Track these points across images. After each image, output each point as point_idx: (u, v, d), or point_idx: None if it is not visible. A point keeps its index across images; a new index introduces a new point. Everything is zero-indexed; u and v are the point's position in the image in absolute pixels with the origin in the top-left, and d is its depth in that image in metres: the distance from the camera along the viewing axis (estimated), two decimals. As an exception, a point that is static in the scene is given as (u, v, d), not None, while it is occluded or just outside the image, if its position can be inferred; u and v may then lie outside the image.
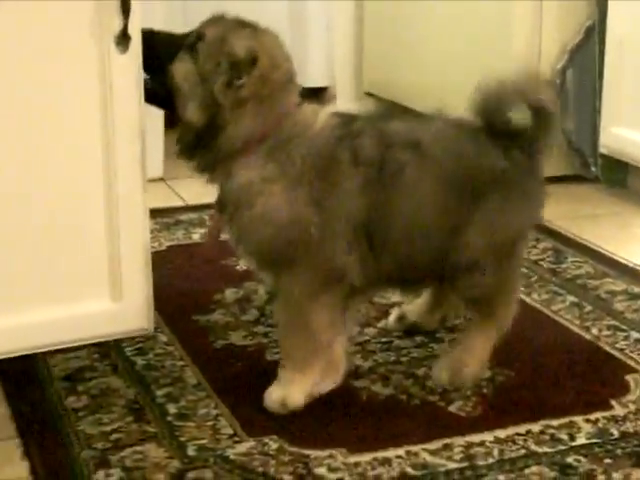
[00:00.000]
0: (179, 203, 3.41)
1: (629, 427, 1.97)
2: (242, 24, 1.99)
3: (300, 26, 4.47)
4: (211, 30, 1.98)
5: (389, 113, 2.10)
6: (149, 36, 2.06)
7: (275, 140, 1.95)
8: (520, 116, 2.02)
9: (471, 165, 2.00)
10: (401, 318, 2.36)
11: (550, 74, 3.51)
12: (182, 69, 1.97)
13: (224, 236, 2.09)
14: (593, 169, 3.56)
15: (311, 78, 4.49)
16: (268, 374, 2.18)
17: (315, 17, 4.48)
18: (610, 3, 3.39)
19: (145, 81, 2.10)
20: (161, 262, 2.77)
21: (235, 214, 1.97)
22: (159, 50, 2.03)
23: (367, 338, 2.36)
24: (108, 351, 2.29)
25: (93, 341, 2.31)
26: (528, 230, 2.17)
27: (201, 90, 1.95)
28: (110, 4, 2.11)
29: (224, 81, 1.93)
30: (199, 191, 3.47)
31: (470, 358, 2.09)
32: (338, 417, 2.01)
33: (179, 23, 4.14)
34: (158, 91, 2.04)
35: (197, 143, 1.98)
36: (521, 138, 2.02)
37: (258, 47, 1.95)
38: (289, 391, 2.01)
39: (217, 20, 2.00)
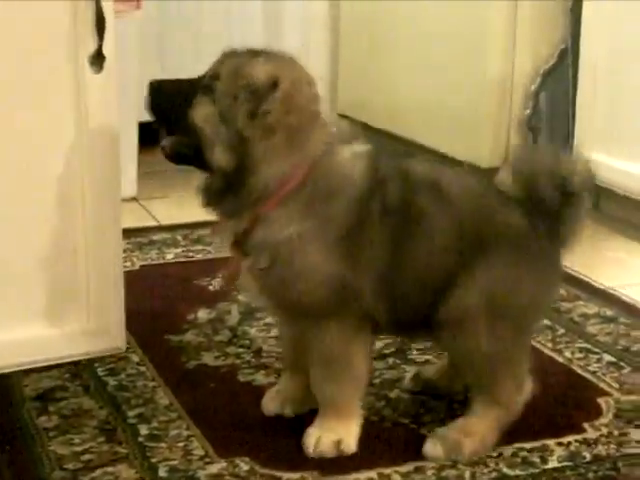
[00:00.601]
0: (152, 223, 3.41)
1: (601, 450, 1.97)
2: (255, 53, 1.88)
3: (275, 49, 4.48)
4: (225, 66, 1.87)
5: (405, 152, 1.99)
6: (158, 87, 1.92)
7: (312, 190, 1.85)
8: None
9: (485, 215, 1.93)
10: (416, 376, 2.22)
11: (523, 97, 3.54)
12: (202, 113, 1.85)
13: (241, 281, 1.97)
14: (566, 192, 3.58)
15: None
16: (240, 395, 2.18)
17: (290, 40, 4.49)
18: (583, 27, 3.42)
19: (165, 144, 1.92)
20: (134, 282, 2.76)
21: (271, 269, 1.87)
22: (173, 100, 1.89)
23: (340, 359, 2.35)
24: (80, 371, 2.27)
25: (65, 361, 2.29)
26: (540, 303, 2.01)
27: (225, 130, 1.83)
28: (85, 24, 2.11)
29: (246, 112, 1.81)
30: (172, 211, 3.53)
31: (469, 441, 1.94)
32: (310, 439, 2.00)
33: (153, 40, 4.19)
34: (181, 148, 1.90)
35: (226, 188, 1.86)
36: (547, 209, 1.97)
37: (276, 70, 1.84)
38: (341, 436, 1.95)
39: (229, 55, 1.90)
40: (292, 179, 1.85)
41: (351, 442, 1.95)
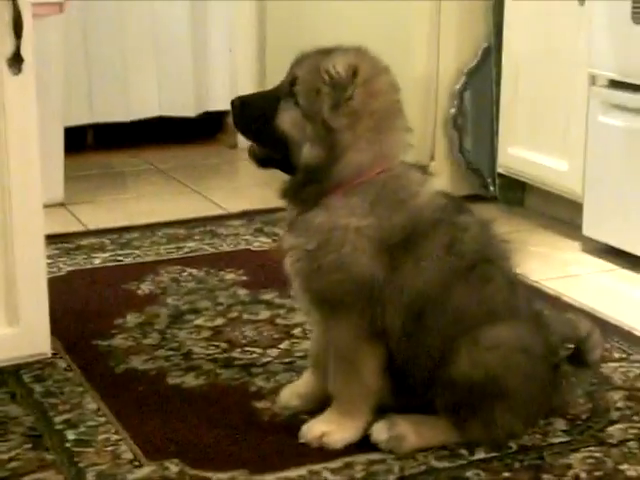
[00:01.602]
0: (79, 228, 3.37)
1: (527, 440, 2.00)
2: (327, 50, 1.93)
3: (202, 49, 4.47)
4: (301, 68, 1.92)
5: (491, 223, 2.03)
6: (240, 104, 1.97)
7: (381, 192, 1.90)
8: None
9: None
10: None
11: (448, 96, 3.58)
12: (287, 118, 1.91)
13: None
14: (491, 189, 3.63)
15: (214, 102, 4.50)
16: (169, 398, 2.18)
17: (217, 40, 4.49)
18: (505, 26, 3.47)
19: (254, 152, 1.99)
20: (61, 287, 2.74)
21: (316, 252, 1.90)
22: (257, 113, 1.95)
23: (269, 359, 2.36)
24: (6, 378, 2.24)
25: (-11, 368, 2.26)
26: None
27: (311, 128, 1.88)
28: (2, 25, 2.08)
29: (330, 105, 1.86)
30: (100, 216, 3.50)
31: (414, 438, 1.96)
32: (240, 438, 2.00)
33: (78, 43, 4.16)
34: (269, 153, 1.96)
35: (308, 182, 1.91)
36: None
37: (353, 59, 1.90)
38: (331, 429, 1.96)
39: (303, 57, 1.95)
40: (368, 171, 1.90)
41: (337, 439, 1.96)
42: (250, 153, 2.00)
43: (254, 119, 1.96)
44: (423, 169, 2.02)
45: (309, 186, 1.92)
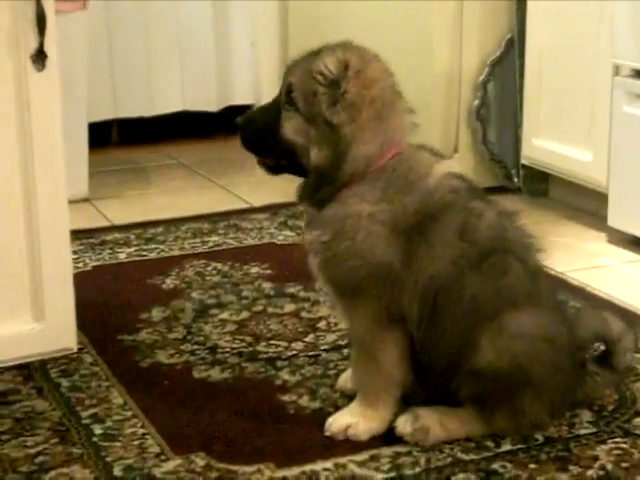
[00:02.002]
0: (105, 223, 3.39)
1: (553, 432, 1.99)
2: (315, 52, 1.95)
3: (224, 44, 4.47)
4: (294, 75, 1.94)
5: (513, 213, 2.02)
6: (244, 124, 2.00)
7: (391, 177, 1.91)
8: None
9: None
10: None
11: (471, 88, 3.57)
12: (290, 127, 1.93)
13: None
14: (515, 180, 3.62)
15: (237, 96, 4.51)
16: (195, 392, 2.18)
17: (239, 35, 4.49)
18: (529, 16, 3.45)
19: (264, 163, 2.02)
20: (86, 282, 2.76)
21: (332, 242, 1.92)
22: (261, 129, 1.97)
23: (294, 353, 2.36)
24: (32, 373, 2.26)
25: (16, 363, 2.28)
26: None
27: (315, 131, 1.90)
28: (26, 21, 2.09)
29: (329, 102, 1.89)
30: (125, 211, 3.51)
31: (438, 431, 1.95)
32: (266, 431, 2.01)
33: (102, 39, 4.17)
34: (279, 162, 1.99)
35: (321, 182, 1.93)
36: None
37: (342, 55, 1.92)
38: (355, 421, 1.97)
39: (294, 64, 1.97)
40: (378, 160, 1.92)
41: (361, 431, 1.96)
42: (260, 163, 2.02)
43: (260, 135, 1.98)
44: (433, 150, 2.01)
45: (323, 187, 1.93)
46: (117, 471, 1.87)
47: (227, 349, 2.38)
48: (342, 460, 1.90)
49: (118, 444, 1.97)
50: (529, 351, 1.91)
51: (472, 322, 1.91)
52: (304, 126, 1.92)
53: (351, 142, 1.90)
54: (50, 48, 2.11)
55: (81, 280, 2.61)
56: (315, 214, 1.97)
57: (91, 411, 2.09)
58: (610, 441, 1.97)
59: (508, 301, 1.92)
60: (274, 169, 2.02)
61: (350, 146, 1.90)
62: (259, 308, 2.63)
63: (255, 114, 2.04)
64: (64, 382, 2.22)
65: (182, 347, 2.40)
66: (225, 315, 2.59)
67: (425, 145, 2.01)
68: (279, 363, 2.31)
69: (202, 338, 2.45)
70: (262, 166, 2.03)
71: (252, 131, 2.00)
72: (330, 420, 2.00)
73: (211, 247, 3.13)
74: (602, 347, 2.10)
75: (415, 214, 1.90)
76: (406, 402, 1.99)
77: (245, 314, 2.59)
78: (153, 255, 3.06)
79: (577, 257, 3.05)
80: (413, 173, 1.93)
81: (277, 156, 1.98)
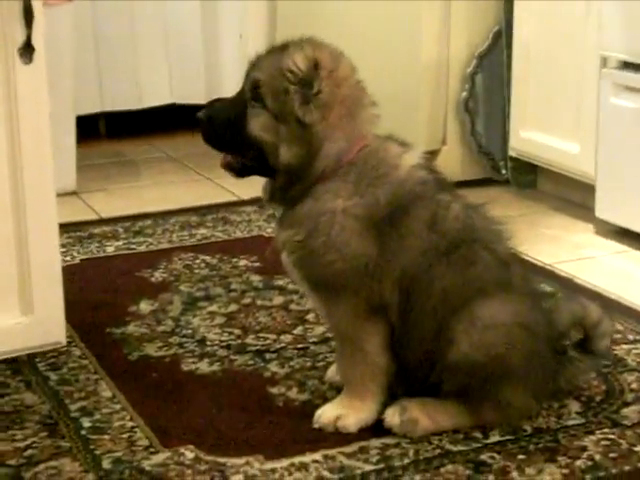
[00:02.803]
0: (92, 216, 3.38)
1: (541, 423, 2.00)
2: (281, 47, 1.94)
3: (212, 36, 4.47)
4: (261, 71, 1.93)
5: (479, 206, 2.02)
6: (207, 118, 1.97)
7: (362, 171, 1.92)
8: None
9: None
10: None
11: (459, 80, 3.57)
12: (258, 124, 1.91)
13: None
14: (503, 172, 3.63)
15: (226, 89, 4.50)
16: (184, 384, 2.18)
17: (228, 27, 4.48)
18: (516, 9, 3.45)
19: (229, 163, 1.99)
20: (75, 276, 2.75)
21: (307, 240, 1.92)
22: (225, 124, 1.95)
23: (283, 345, 2.36)
24: (21, 367, 2.26)
25: (5, 357, 2.27)
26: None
27: (284, 128, 1.89)
28: (12, 15, 2.09)
29: (301, 101, 1.88)
30: (113, 204, 3.51)
31: (426, 422, 1.96)
32: (254, 424, 2.01)
33: (89, 28, 4.15)
34: (248, 161, 1.96)
35: (291, 182, 1.93)
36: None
37: (312, 52, 1.90)
38: (344, 413, 1.97)
39: (259, 59, 1.95)
40: (348, 155, 1.92)
41: (350, 422, 1.96)
42: (225, 166, 2.00)
43: (224, 131, 1.95)
44: (399, 140, 2.01)
45: (294, 185, 1.93)
46: (106, 464, 1.87)
47: (216, 342, 2.39)
48: (331, 452, 1.90)
49: (107, 437, 1.97)
50: (505, 340, 1.92)
51: (444, 314, 1.92)
52: (273, 123, 1.90)
53: (323, 140, 1.90)
54: (37, 41, 2.10)
55: (69, 273, 2.61)
56: (287, 213, 1.97)
57: (80, 404, 2.09)
58: (598, 432, 1.97)
59: (479, 292, 1.93)
60: (240, 171, 2.00)
61: (322, 144, 1.90)
62: (247, 301, 2.63)
63: (218, 109, 1.99)
64: (53, 375, 2.22)
65: (170, 340, 2.40)
66: (214, 308, 2.59)
67: (392, 135, 2.01)
68: (268, 355, 2.31)
69: (190, 331, 2.45)
70: (227, 169, 2.00)
71: (216, 126, 1.96)
72: (319, 412, 2.00)
73: (199, 240, 3.13)
74: (580, 333, 2.10)
75: (387, 206, 1.91)
76: (393, 395, 1.99)
77: (234, 307, 2.59)
78: (141, 248, 3.05)
79: (565, 248, 3.05)
80: (383, 165, 1.94)
81: (243, 153, 1.95)
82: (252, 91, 1.93)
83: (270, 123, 1.91)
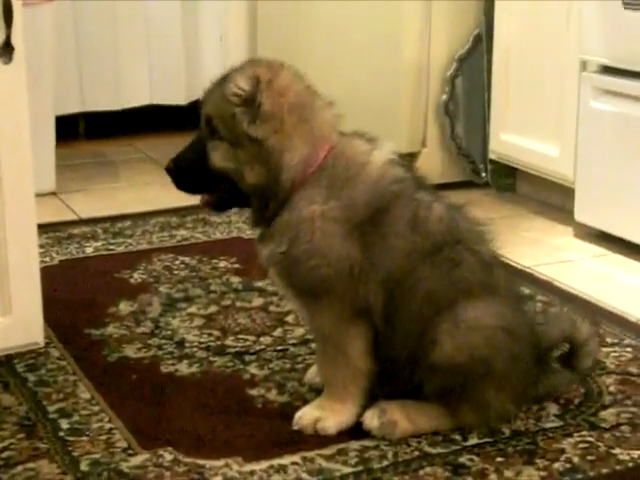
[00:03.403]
0: (72, 217, 3.37)
1: (520, 425, 2.00)
2: (224, 76, 1.94)
3: (193, 37, 4.46)
4: (210, 104, 1.94)
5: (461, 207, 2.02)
6: (174, 166, 1.99)
7: (332, 174, 1.92)
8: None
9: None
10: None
11: (440, 82, 3.58)
12: (217, 155, 1.92)
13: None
14: (483, 175, 3.64)
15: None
16: (163, 386, 2.18)
17: (208, 28, 4.47)
18: (497, 12, 3.47)
19: (207, 202, 2.02)
20: (53, 277, 2.74)
21: (289, 250, 1.91)
22: (191, 165, 1.97)
23: (263, 347, 2.36)
24: (-2, 368, 2.25)
25: (-18, 358, 2.26)
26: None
27: (242, 152, 1.90)
28: (-9, 14, 2.08)
29: (248, 120, 1.88)
30: (92, 205, 3.50)
31: (405, 424, 1.96)
32: (234, 426, 2.01)
33: (69, 28, 4.14)
34: (221, 196, 1.98)
35: (265, 199, 1.93)
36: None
37: (251, 71, 1.91)
38: (324, 415, 1.97)
39: (207, 95, 1.96)
40: (314, 161, 1.92)
41: (330, 425, 1.96)
42: (204, 205, 2.02)
43: (191, 172, 1.97)
44: (366, 136, 2.00)
45: (269, 203, 1.93)
46: (84, 466, 1.86)
47: (195, 343, 2.38)
48: (310, 454, 1.90)
49: (85, 439, 1.96)
50: (488, 342, 1.92)
51: (427, 316, 1.92)
52: (231, 151, 1.91)
53: (282, 151, 1.90)
54: (17, 41, 2.09)
55: (48, 274, 2.60)
56: (265, 229, 1.97)
57: (58, 405, 2.08)
58: (576, 434, 1.98)
59: (463, 293, 1.93)
60: (218, 206, 2.03)
61: (282, 155, 1.90)
62: (227, 302, 2.63)
63: (181, 154, 2.01)
64: (31, 376, 2.21)
65: (150, 341, 2.39)
66: (193, 309, 2.58)
67: (357, 131, 2.00)
68: (247, 357, 2.31)
69: (170, 332, 2.44)
70: (206, 206, 2.03)
71: (183, 170, 1.99)
72: (298, 414, 2.00)
73: (179, 241, 3.12)
74: (566, 348, 2.11)
75: (366, 207, 1.91)
76: (373, 397, 2.00)
77: (213, 308, 2.59)
78: (121, 249, 3.05)
79: (544, 251, 3.07)
80: (352, 165, 1.94)
81: (213, 189, 1.97)
82: (207, 127, 1.94)
83: (228, 151, 1.92)
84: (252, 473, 1.84)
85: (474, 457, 1.90)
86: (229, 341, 2.39)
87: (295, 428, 1.98)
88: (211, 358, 2.30)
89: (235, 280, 2.78)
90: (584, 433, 1.98)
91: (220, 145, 1.92)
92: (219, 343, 2.38)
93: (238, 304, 2.61)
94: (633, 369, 2.25)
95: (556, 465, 1.88)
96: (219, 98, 1.92)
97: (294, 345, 2.37)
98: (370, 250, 1.91)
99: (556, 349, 2.11)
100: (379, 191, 1.92)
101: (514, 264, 2.88)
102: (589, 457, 1.90)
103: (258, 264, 2.03)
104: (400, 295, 1.92)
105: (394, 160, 1.97)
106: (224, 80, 1.94)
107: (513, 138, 3.44)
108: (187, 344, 2.38)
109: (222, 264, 2.90)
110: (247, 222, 2.02)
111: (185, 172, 1.98)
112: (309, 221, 1.90)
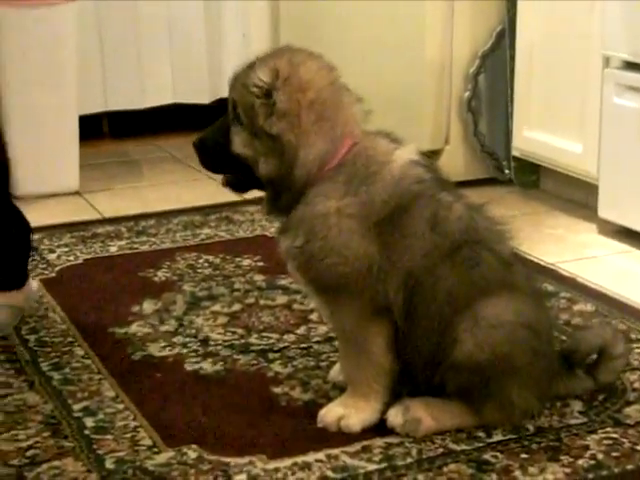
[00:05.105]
0: (96, 216, 3.38)
1: (544, 422, 2.00)
2: (251, 63, 1.95)
3: (216, 35, 4.47)
4: (236, 90, 1.94)
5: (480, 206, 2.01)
6: (200, 144, 2.01)
7: (352, 170, 1.92)
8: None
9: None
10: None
11: (463, 80, 3.57)
12: (238, 141, 1.94)
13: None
14: (506, 172, 3.63)
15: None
16: (187, 384, 2.19)
17: (231, 26, 4.48)
18: (520, 9, 3.45)
19: (227, 181, 2.05)
20: (78, 275, 2.76)
21: (306, 245, 1.92)
22: (216, 145, 1.99)
23: (286, 345, 2.36)
24: (24, 367, 2.26)
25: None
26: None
27: (259, 143, 1.92)
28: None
29: (265, 114, 1.89)
30: (116, 204, 3.51)
31: (429, 422, 1.95)
32: (258, 423, 2.01)
33: (93, 28, 4.15)
34: (239, 178, 2.01)
35: (280, 192, 1.95)
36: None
37: (273, 63, 1.91)
38: (348, 413, 1.97)
39: (234, 79, 1.96)
40: (332, 157, 1.92)
41: (354, 422, 1.96)
42: (224, 184, 2.05)
43: (215, 153, 2.00)
44: (390, 136, 2.00)
45: (283, 195, 1.94)
46: (109, 464, 1.87)
47: (219, 341, 2.39)
48: (334, 451, 1.90)
49: (110, 437, 1.97)
50: (509, 339, 1.92)
51: (448, 315, 1.92)
52: (250, 139, 1.93)
53: (297, 148, 1.90)
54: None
55: (72, 273, 2.61)
56: (284, 221, 1.98)
57: (83, 404, 2.09)
58: (601, 431, 1.97)
59: (483, 292, 1.92)
60: (237, 186, 2.05)
61: (297, 152, 1.90)
62: (251, 300, 2.63)
63: (208, 133, 2.03)
64: (56, 375, 2.22)
65: (174, 340, 2.40)
66: (217, 307, 2.59)
67: (382, 131, 2.00)
68: (271, 355, 2.31)
69: (194, 331, 2.45)
70: (227, 186, 2.05)
71: (207, 149, 2.01)
72: (322, 412, 2.01)
73: (203, 240, 3.13)
74: (594, 357, 2.10)
75: (384, 205, 1.91)
76: (396, 395, 1.99)
77: (237, 306, 2.60)
78: (145, 248, 3.06)
79: (568, 248, 3.05)
80: (374, 162, 1.93)
81: (233, 171, 2.00)
82: (233, 111, 1.96)
83: (248, 139, 1.93)
84: (276, 470, 1.85)
85: (498, 454, 1.89)
86: (253, 339, 2.40)
87: (319, 425, 1.99)
88: (235, 356, 2.31)
89: (259, 278, 2.78)
90: (608, 429, 1.98)
91: (241, 132, 1.94)
92: (243, 341, 2.39)
93: (262, 302, 2.62)
94: (658, 366, 2.24)
95: (580, 462, 1.87)
96: (243, 86, 1.93)
97: (318, 343, 2.37)
98: (389, 249, 1.91)
99: (589, 357, 2.10)
100: (399, 190, 1.91)
101: (538, 261, 2.88)
102: (614, 453, 1.90)
103: (279, 258, 2.03)
104: (420, 294, 1.92)
105: (416, 160, 1.97)
106: (250, 68, 1.94)
107: (536, 135, 3.42)
108: (211, 342, 2.38)
109: (246, 262, 2.91)
110: (262, 207, 2.03)
111: (208, 152, 2.01)
112: (324, 217, 1.91)
